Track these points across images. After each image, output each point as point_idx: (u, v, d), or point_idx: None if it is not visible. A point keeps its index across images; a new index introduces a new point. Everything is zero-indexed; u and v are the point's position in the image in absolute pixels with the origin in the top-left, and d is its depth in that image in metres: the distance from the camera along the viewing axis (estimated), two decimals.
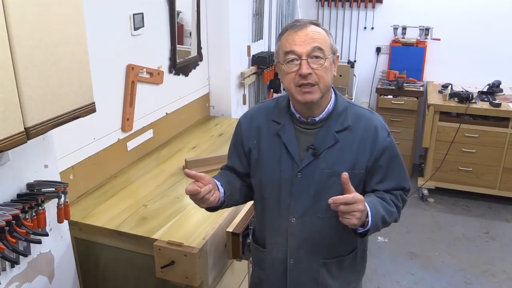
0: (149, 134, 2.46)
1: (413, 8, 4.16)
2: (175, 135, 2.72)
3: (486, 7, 3.95)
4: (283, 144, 1.40)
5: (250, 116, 1.50)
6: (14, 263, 1.44)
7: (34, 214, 1.51)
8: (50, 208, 1.60)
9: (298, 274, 1.47)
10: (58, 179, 1.68)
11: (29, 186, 1.53)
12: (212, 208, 1.42)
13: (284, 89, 3.54)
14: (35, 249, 1.57)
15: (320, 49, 1.29)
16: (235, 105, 3.18)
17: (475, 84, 3.96)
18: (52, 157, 1.63)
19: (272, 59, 3.39)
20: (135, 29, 2.23)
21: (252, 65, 3.35)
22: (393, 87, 4.06)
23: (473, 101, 3.66)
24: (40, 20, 1.26)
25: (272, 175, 1.41)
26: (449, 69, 4.21)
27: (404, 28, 4.15)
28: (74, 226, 1.79)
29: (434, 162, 3.85)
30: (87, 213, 1.86)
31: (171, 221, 1.79)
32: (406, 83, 4.08)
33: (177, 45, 2.63)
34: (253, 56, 3.34)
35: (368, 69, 4.46)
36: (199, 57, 2.92)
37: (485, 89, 3.82)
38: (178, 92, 2.73)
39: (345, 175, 1.24)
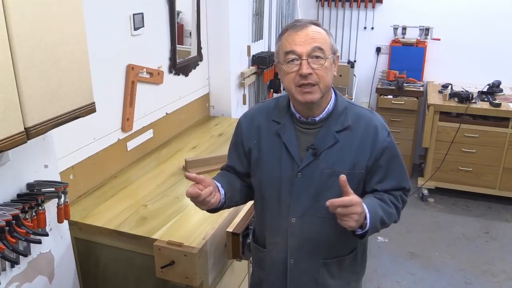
0: (149, 134, 2.46)
1: (413, 8, 4.16)
2: (175, 135, 2.72)
3: (486, 7, 3.95)
4: (283, 144, 1.40)
5: (250, 116, 1.50)
6: (14, 263, 1.44)
7: (34, 214, 1.51)
8: (50, 208, 1.60)
9: (298, 274, 1.47)
10: (58, 179, 1.68)
11: (29, 186, 1.53)
12: (212, 210, 1.42)
13: (284, 89, 3.54)
14: (35, 249, 1.57)
15: (320, 49, 1.29)
16: (235, 105, 3.18)
17: (475, 84, 3.97)
18: (52, 157, 1.63)
19: (272, 59, 3.39)
20: (135, 29, 2.23)
21: (252, 65, 3.35)
22: (393, 87, 4.06)
23: (473, 101, 3.66)
24: (40, 20, 1.26)
25: (272, 175, 1.41)
26: (449, 69, 4.21)
27: (404, 28, 4.15)
28: (74, 226, 1.79)
29: (434, 162, 3.85)
30: (87, 213, 1.86)
31: (171, 221, 1.79)
32: (406, 83, 4.08)
33: (177, 45, 2.63)
34: (253, 56, 3.34)
35: (368, 69, 4.46)
36: (199, 57, 2.92)
37: (485, 89, 3.82)
38: (178, 92, 2.73)
39: (343, 177, 1.24)
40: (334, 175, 1.35)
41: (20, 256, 1.48)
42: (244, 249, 1.78)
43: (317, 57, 1.29)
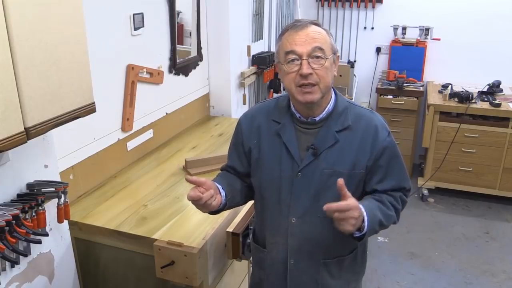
0: (149, 134, 2.46)
1: (413, 8, 4.16)
2: (175, 135, 2.72)
3: (486, 7, 3.95)
4: (283, 144, 1.40)
5: (250, 115, 1.50)
6: (14, 263, 1.44)
7: (34, 214, 1.51)
8: (50, 208, 1.60)
9: (298, 274, 1.47)
10: (58, 179, 1.68)
11: (29, 186, 1.53)
12: (213, 212, 1.42)
13: (284, 89, 3.54)
14: (35, 249, 1.57)
15: (320, 49, 1.29)
16: (235, 105, 3.18)
17: (475, 84, 3.97)
18: (52, 157, 1.63)
19: (272, 59, 3.39)
20: (135, 29, 2.23)
21: (252, 65, 3.34)
22: (393, 87, 4.06)
23: (473, 101, 3.66)
24: (40, 20, 1.26)
25: (272, 175, 1.41)
26: (449, 69, 4.21)
27: (404, 28, 4.15)
28: (74, 226, 1.79)
29: (434, 162, 3.85)
30: (87, 213, 1.86)
31: (171, 221, 1.79)
32: (406, 83, 4.08)
33: (177, 45, 2.63)
34: (253, 56, 3.34)
35: (368, 69, 4.46)
36: (199, 57, 2.92)
37: (485, 89, 3.82)
38: (178, 92, 2.73)
39: (340, 180, 1.24)
40: (334, 175, 1.35)
41: (20, 256, 1.48)
42: (244, 249, 1.78)
43: (318, 57, 1.29)
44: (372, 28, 4.37)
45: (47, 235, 1.57)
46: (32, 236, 1.45)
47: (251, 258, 1.74)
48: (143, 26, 2.28)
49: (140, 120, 2.37)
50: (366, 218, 1.28)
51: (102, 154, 2.11)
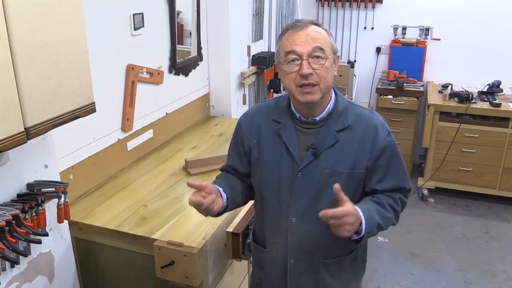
0: (149, 134, 2.46)
1: (413, 8, 4.16)
2: (175, 135, 2.72)
3: (486, 7, 3.95)
4: (283, 144, 1.40)
5: (250, 115, 1.50)
6: (14, 263, 1.44)
7: (34, 214, 1.51)
8: (50, 208, 1.60)
9: (298, 274, 1.47)
10: (58, 179, 1.68)
11: (29, 186, 1.53)
12: (215, 215, 1.42)
13: (284, 89, 3.54)
14: (35, 249, 1.57)
15: (321, 49, 1.29)
16: (235, 105, 3.18)
17: (475, 84, 3.97)
18: (52, 157, 1.63)
19: (272, 59, 3.39)
20: (135, 29, 2.23)
21: (252, 65, 3.34)
22: (393, 87, 4.06)
23: (473, 101, 3.66)
24: (40, 20, 1.26)
25: (272, 174, 1.41)
26: (449, 69, 4.21)
27: (404, 28, 4.15)
28: (74, 226, 1.79)
29: (434, 162, 3.85)
30: (87, 213, 1.86)
31: (171, 221, 1.79)
32: (406, 83, 4.08)
33: (177, 45, 2.63)
34: (253, 56, 3.34)
35: (368, 69, 4.46)
36: (199, 57, 2.92)
37: (485, 89, 3.82)
38: (178, 92, 2.73)
39: (336, 185, 1.24)
40: (334, 175, 1.36)
41: (20, 256, 1.48)
42: (244, 249, 1.78)
43: (318, 57, 1.29)
44: (372, 28, 4.37)
45: (47, 235, 1.57)
46: (32, 236, 1.45)
47: (251, 258, 1.73)
48: (143, 26, 2.28)
49: (140, 120, 2.37)
50: (364, 222, 1.28)
51: (102, 154, 2.11)
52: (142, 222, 1.79)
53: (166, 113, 2.62)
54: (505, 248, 3.26)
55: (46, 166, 1.60)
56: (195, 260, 1.59)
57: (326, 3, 4.43)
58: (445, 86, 3.94)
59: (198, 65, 2.92)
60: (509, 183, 3.71)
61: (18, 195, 1.49)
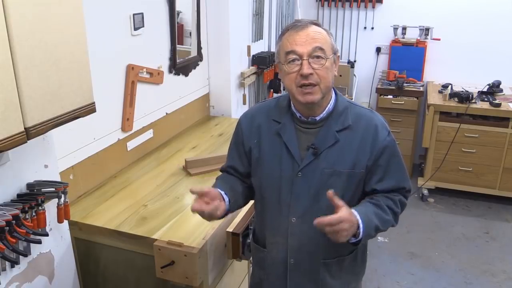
0: (149, 134, 2.46)
1: (413, 8, 4.16)
2: (175, 135, 2.72)
3: (486, 7, 3.95)
4: (283, 144, 1.40)
5: (250, 115, 1.50)
6: (14, 263, 1.44)
7: (34, 214, 1.51)
8: (50, 208, 1.60)
9: (298, 274, 1.47)
10: (58, 179, 1.68)
11: (29, 186, 1.53)
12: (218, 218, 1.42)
13: (284, 89, 3.54)
14: (35, 249, 1.57)
15: (321, 49, 1.29)
16: (235, 105, 3.18)
17: (475, 84, 3.97)
18: (52, 157, 1.63)
19: (272, 59, 3.39)
20: (135, 29, 2.23)
21: (252, 65, 3.35)
22: (393, 87, 4.06)
23: (473, 101, 3.66)
24: (40, 20, 1.26)
25: (272, 174, 1.41)
26: (449, 69, 4.21)
27: (404, 28, 4.15)
28: (74, 226, 1.79)
29: (434, 162, 3.85)
30: (87, 213, 1.86)
31: (171, 221, 1.79)
32: (406, 83, 4.08)
33: (177, 45, 2.63)
34: (253, 56, 3.34)
35: (368, 69, 4.46)
36: (199, 57, 2.92)
37: (485, 89, 3.82)
38: (178, 92, 2.73)
39: (330, 192, 1.24)
40: (334, 175, 1.36)
41: (20, 256, 1.48)
42: (244, 249, 1.78)
43: (318, 57, 1.29)
44: (372, 28, 4.37)
45: (47, 235, 1.57)
46: (32, 236, 1.45)
47: (251, 258, 1.73)
48: (143, 26, 2.28)
49: (140, 120, 2.37)
50: (361, 225, 1.28)
51: (102, 154, 2.11)
52: (142, 222, 1.79)
53: (166, 113, 2.62)
54: (505, 248, 3.26)
55: (46, 166, 1.60)
56: (195, 260, 1.59)
57: (326, 3, 4.43)
58: (445, 86, 3.94)
59: (198, 65, 2.92)
60: (509, 183, 3.71)
61: (18, 195, 1.49)
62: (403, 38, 4.16)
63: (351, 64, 4.17)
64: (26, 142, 1.26)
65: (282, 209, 1.42)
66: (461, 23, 4.04)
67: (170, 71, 2.61)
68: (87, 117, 1.50)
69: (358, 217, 1.28)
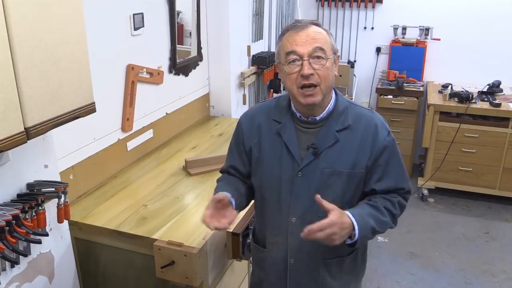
0: (149, 134, 2.46)
1: (413, 8, 4.16)
2: (175, 135, 2.72)
3: (486, 7, 3.95)
4: (283, 143, 1.40)
5: (250, 115, 1.50)
6: (14, 263, 1.44)
7: (34, 214, 1.51)
8: (50, 208, 1.60)
9: (298, 274, 1.47)
10: (58, 179, 1.68)
11: (29, 186, 1.53)
12: None
13: (284, 89, 3.54)
14: (35, 249, 1.57)
15: (321, 49, 1.29)
16: (235, 105, 3.18)
17: (475, 84, 3.97)
18: (52, 157, 1.63)
19: (272, 59, 3.39)
20: (135, 29, 2.23)
21: (252, 65, 3.35)
22: (393, 87, 4.06)
23: (473, 101, 3.66)
24: (40, 20, 1.26)
25: (272, 174, 1.41)
26: (449, 69, 4.21)
27: (404, 28, 4.15)
28: (74, 226, 1.79)
29: (434, 162, 3.85)
30: (87, 213, 1.86)
31: (171, 221, 1.79)
32: (406, 83, 4.08)
33: (177, 45, 2.63)
34: (253, 56, 3.34)
35: (368, 69, 4.46)
36: (199, 57, 2.92)
37: (485, 89, 3.82)
38: (178, 92, 2.73)
39: (317, 196, 1.25)
40: (334, 175, 1.36)
41: (20, 256, 1.48)
42: (244, 249, 1.78)
43: (318, 57, 1.29)
44: (372, 28, 4.37)
45: (47, 235, 1.57)
46: (32, 236, 1.45)
47: (251, 258, 1.73)
48: (143, 26, 2.28)
49: (140, 120, 2.37)
50: (356, 227, 1.28)
51: (102, 154, 2.11)
52: (142, 222, 1.79)
53: (166, 113, 2.62)
54: (505, 248, 3.26)
55: (46, 166, 1.60)
56: (195, 260, 1.59)
57: (326, 3, 4.43)
58: (445, 86, 3.94)
59: (198, 65, 2.92)
60: (509, 183, 3.71)
61: (18, 195, 1.49)
62: (403, 38, 4.16)
63: (351, 64, 4.17)
64: (26, 142, 1.26)
65: (282, 209, 1.42)
66: (461, 23, 4.04)
67: (170, 71, 2.61)
68: (87, 117, 1.50)
69: (352, 218, 1.28)
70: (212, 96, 3.13)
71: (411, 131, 4.11)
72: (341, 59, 4.23)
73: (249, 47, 3.24)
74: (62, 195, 1.59)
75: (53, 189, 1.57)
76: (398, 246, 3.29)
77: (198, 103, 2.99)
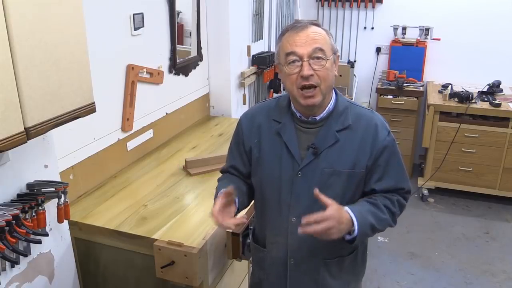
0: (149, 134, 2.46)
1: (413, 8, 4.16)
2: (175, 135, 2.72)
3: (486, 7, 3.95)
4: (283, 143, 1.40)
5: (250, 115, 1.50)
6: (14, 263, 1.44)
7: (34, 214, 1.51)
8: (50, 208, 1.60)
9: (298, 274, 1.47)
10: (58, 179, 1.68)
11: (29, 186, 1.53)
12: None
13: (284, 89, 3.54)
14: (35, 249, 1.57)
15: (321, 50, 1.29)
16: (235, 105, 3.18)
17: (475, 84, 3.97)
18: (52, 157, 1.63)
19: (272, 59, 3.39)
20: (135, 29, 2.23)
21: (252, 65, 3.35)
22: (393, 87, 4.06)
23: (473, 101, 3.66)
24: (40, 20, 1.26)
25: (272, 174, 1.41)
26: (449, 69, 4.21)
27: (404, 28, 4.15)
28: (74, 226, 1.79)
29: (434, 162, 3.85)
30: (87, 213, 1.86)
31: (171, 221, 1.79)
32: (406, 83, 4.08)
33: (177, 45, 2.63)
34: (253, 56, 3.34)
35: (368, 69, 4.46)
36: (199, 57, 2.92)
37: (485, 89, 3.82)
38: (178, 92, 2.73)
39: (316, 191, 1.24)
40: (334, 174, 1.36)
41: (20, 256, 1.48)
42: (244, 249, 1.78)
43: (318, 58, 1.29)
44: (372, 28, 4.37)
45: (47, 235, 1.57)
46: (32, 236, 1.45)
47: (251, 258, 1.73)
48: (143, 26, 2.28)
49: (140, 120, 2.37)
50: (355, 222, 1.28)
51: (102, 154, 2.11)
52: (142, 222, 1.79)
53: (166, 113, 2.62)
54: (505, 248, 3.26)
55: (46, 166, 1.60)
56: (195, 260, 1.59)
57: (326, 3, 4.43)
58: (445, 86, 3.94)
59: (198, 65, 2.93)
60: (509, 183, 3.71)
61: (18, 195, 1.49)
62: (403, 38, 4.16)
63: (351, 64, 4.17)
64: (26, 142, 1.26)
65: (282, 209, 1.42)
66: (461, 23, 4.04)
67: (170, 71, 2.61)
68: (87, 117, 1.51)
69: (351, 214, 1.28)
70: (212, 96, 3.13)
71: (411, 131, 4.11)
72: (341, 59, 4.23)
73: (249, 47, 3.24)
74: (62, 195, 1.59)
75: (53, 189, 1.57)
76: (398, 246, 3.29)
77: (198, 103, 2.99)
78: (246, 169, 1.52)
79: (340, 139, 1.37)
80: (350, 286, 1.54)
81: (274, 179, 1.41)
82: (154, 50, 2.45)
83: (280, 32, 1.39)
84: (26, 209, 1.47)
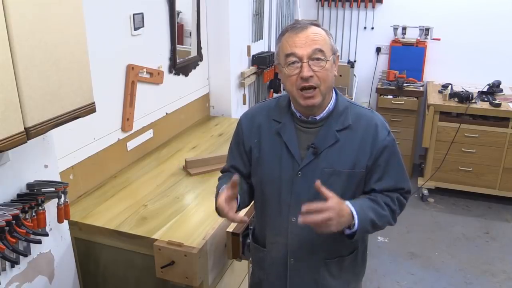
0: (149, 134, 2.46)
1: (413, 8, 4.16)
2: (175, 135, 2.72)
3: (486, 7, 3.95)
4: (283, 143, 1.40)
5: (250, 115, 1.50)
6: (14, 263, 1.44)
7: (34, 214, 1.51)
8: (50, 208, 1.60)
9: (298, 274, 1.47)
10: (58, 179, 1.68)
11: (29, 186, 1.53)
12: None
13: (284, 89, 3.54)
14: (35, 249, 1.57)
15: (321, 51, 1.28)
16: (235, 105, 3.18)
17: (475, 84, 3.97)
18: (52, 157, 1.63)
19: (272, 59, 3.39)
20: (135, 29, 2.23)
21: (252, 65, 3.35)
22: (393, 87, 4.06)
23: (473, 101, 3.66)
24: (40, 20, 1.26)
25: (272, 174, 1.41)
26: (449, 69, 4.21)
27: (404, 28, 4.15)
28: (74, 226, 1.79)
29: (434, 162, 3.85)
30: (87, 213, 1.86)
31: (171, 221, 1.79)
32: (406, 83, 4.08)
33: (177, 45, 2.63)
34: (253, 56, 3.34)
35: (368, 69, 4.46)
36: (199, 57, 2.92)
37: (485, 89, 3.82)
38: (178, 92, 2.73)
39: (317, 183, 1.24)
40: (334, 174, 1.36)
41: (20, 256, 1.48)
42: (244, 249, 1.78)
43: (318, 59, 1.28)
44: (372, 28, 4.37)
45: (47, 235, 1.57)
46: (32, 236, 1.45)
47: (251, 258, 1.73)
48: (143, 26, 2.28)
49: (140, 120, 2.37)
50: (356, 216, 1.28)
51: (102, 154, 2.11)
52: (142, 222, 1.79)
53: (166, 113, 2.62)
54: (505, 248, 3.26)
55: (46, 166, 1.60)
56: (195, 260, 1.59)
57: (326, 3, 4.43)
58: (445, 86, 3.94)
59: (198, 65, 2.93)
60: (509, 183, 3.71)
61: (18, 195, 1.49)
62: (403, 38, 4.16)
63: (351, 64, 4.17)
64: (26, 142, 1.27)
65: (282, 209, 1.42)
66: (461, 23, 4.04)
67: (170, 71, 2.61)
68: (87, 117, 1.51)
69: (352, 208, 1.28)
70: (212, 96, 3.13)
71: (411, 131, 4.11)
72: (341, 59, 4.23)
73: (249, 47, 3.24)
74: (62, 195, 1.59)
75: (53, 189, 1.57)
76: (398, 246, 3.29)
77: (198, 103, 2.99)
78: (246, 169, 1.52)
79: (340, 139, 1.37)
80: (350, 286, 1.54)
81: (274, 179, 1.41)
82: (154, 50, 2.45)
83: (280, 32, 1.38)
84: (26, 209, 1.47)
